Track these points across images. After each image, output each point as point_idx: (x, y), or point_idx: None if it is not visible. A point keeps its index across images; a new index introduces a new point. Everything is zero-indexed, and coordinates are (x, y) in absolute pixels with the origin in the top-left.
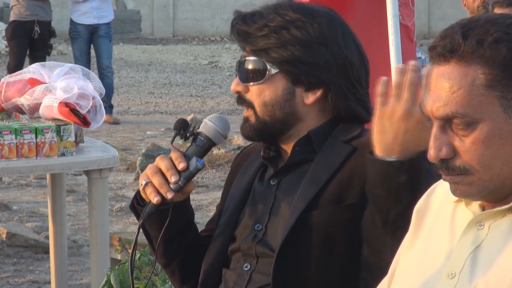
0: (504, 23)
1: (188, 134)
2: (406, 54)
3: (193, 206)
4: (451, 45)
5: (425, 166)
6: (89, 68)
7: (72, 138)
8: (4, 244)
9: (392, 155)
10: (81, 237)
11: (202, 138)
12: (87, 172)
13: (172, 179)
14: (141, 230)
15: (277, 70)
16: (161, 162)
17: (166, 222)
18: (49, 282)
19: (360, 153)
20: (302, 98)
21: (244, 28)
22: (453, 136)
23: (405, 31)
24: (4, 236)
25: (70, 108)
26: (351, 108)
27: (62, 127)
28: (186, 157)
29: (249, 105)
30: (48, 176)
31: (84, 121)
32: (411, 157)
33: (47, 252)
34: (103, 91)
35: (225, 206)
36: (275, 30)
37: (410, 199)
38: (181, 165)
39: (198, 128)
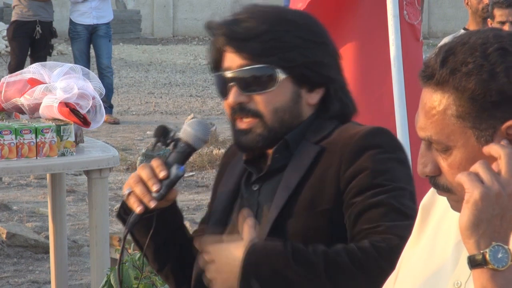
0: (485, 52)
1: (168, 141)
2: (413, 54)
3: (193, 206)
4: (431, 69)
5: None
6: (89, 68)
7: (72, 138)
8: (4, 244)
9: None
10: (81, 237)
11: (182, 144)
12: (87, 172)
13: (154, 188)
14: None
15: (286, 75)
16: (142, 171)
17: (151, 231)
18: (49, 282)
19: (329, 154)
20: (307, 99)
21: (242, 34)
22: (437, 155)
23: (412, 30)
24: (4, 236)
25: (70, 108)
26: (346, 105)
27: (62, 127)
28: (167, 164)
29: (255, 114)
30: (48, 176)
31: (84, 121)
32: None
33: (47, 252)
34: (103, 91)
35: (214, 208)
36: (280, 34)
37: None
38: (161, 174)
39: (178, 134)
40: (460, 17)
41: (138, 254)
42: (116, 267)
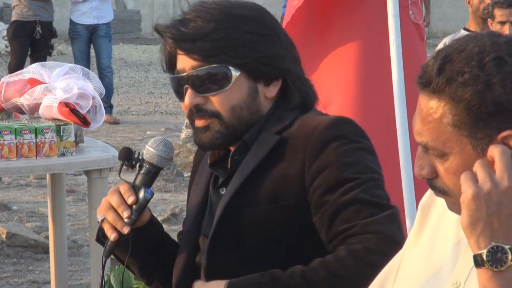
0: (481, 62)
1: (134, 163)
2: (418, 53)
3: None
4: (428, 76)
5: None
6: (89, 68)
7: (72, 138)
8: (4, 244)
9: None
10: (81, 237)
11: (147, 166)
12: (87, 172)
13: (124, 214)
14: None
15: (240, 72)
16: (111, 198)
17: (128, 253)
18: (49, 282)
19: (291, 147)
20: (264, 93)
21: (190, 35)
22: (434, 159)
23: (417, 30)
24: (4, 236)
25: (70, 108)
26: (306, 94)
27: (62, 127)
28: (135, 188)
29: (213, 114)
30: (48, 176)
31: (84, 121)
32: None
33: (47, 252)
34: (103, 91)
35: (187, 212)
36: (228, 31)
37: None
38: (130, 199)
39: (142, 155)
40: (460, 17)
41: None
42: (116, 267)
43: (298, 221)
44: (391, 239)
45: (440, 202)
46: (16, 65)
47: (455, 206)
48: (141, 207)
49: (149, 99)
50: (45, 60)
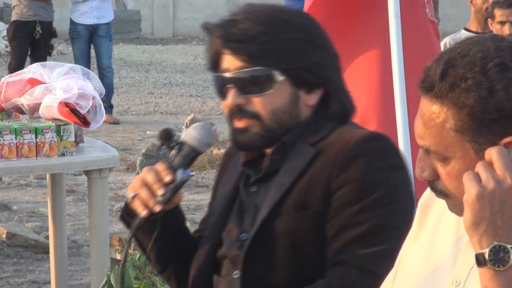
0: (484, 67)
1: (172, 145)
2: (435, 51)
3: (193, 206)
4: (431, 81)
5: None
6: (89, 68)
7: (72, 138)
8: (4, 244)
9: None
10: (81, 237)
11: (186, 148)
12: (87, 172)
13: (159, 192)
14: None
15: (284, 77)
16: (147, 175)
17: (155, 234)
18: (49, 282)
19: (324, 156)
20: (305, 100)
21: (238, 36)
22: (435, 161)
23: (434, 27)
24: (4, 236)
25: (70, 108)
26: (345, 105)
27: (62, 127)
28: (172, 168)
29: (254, 116)
30: (48, 176)
31: (84, 121)
32: None
33: (47, 252)
34: (103, 91)
35: (213, 208)
36: (276, 36)
37: None
38: (167, 178)
39: (182, 137)
40: (460, 17)
41: (138, 254)
42: (116, 267)
43: (322, 228)
44: (378, 278)
45: (440, 200)
46: (16, 65)
47: (456, 208)
48: (177, 187)
49: (149, 99)
50: (45, 60)
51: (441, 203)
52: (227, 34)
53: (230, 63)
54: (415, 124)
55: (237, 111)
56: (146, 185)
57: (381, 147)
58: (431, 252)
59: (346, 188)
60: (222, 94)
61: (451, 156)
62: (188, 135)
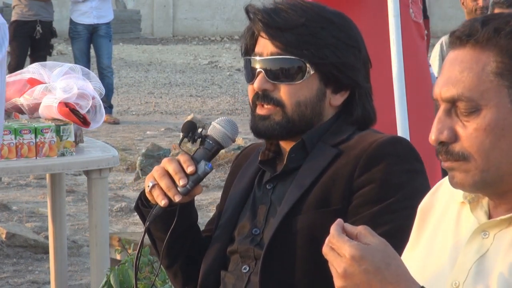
0: None
1: (196, 137)
2: (419, 52)
3: None
4: (470, 30)
5: None
6: (89, 68)
7: (72, 138)
8: (3, 244)
9: None
10: (81, 237)
11: (210, 141)
12: (87, 172)
13: (181, 182)
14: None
15: (315, 71)
16: (169, 165)
17: (173, 225)
18: (49, 282)
19: (345, 156)
20: (330, 99)
21: (280, 23)
22: (456, 121)
23: (417, 28)
24: (3, 236)
25: (70, 108)
26: (368, 112)
27: (61, 127)
28: (194, 160)
29: (277, 103)
30: (48, 176)
31: (84, 121)
32: None
33: (46, 252)
34: (103, 91)
35: (225, 208)
36: (316, 30)
37: None
38: (190, 169)
39: (206, 130)
40: (460, 17)
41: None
42: (116, 267)
43: None
44: None
45: (440, 205)
46: (16, 65)
47: (467, 176)
48: (198, 178)
49: (149, 99)
50: (45, 60)
51: (441, 207)
52: (270, 19)
53: (265, 48)
54: (440, 79)
55: (262, 96)
56: (167, 174)
57: (404, 150)
58: (430, 255)
59: (368, 188)
60: (250, 77)
61: (484, 104)
62: (213, 128)
